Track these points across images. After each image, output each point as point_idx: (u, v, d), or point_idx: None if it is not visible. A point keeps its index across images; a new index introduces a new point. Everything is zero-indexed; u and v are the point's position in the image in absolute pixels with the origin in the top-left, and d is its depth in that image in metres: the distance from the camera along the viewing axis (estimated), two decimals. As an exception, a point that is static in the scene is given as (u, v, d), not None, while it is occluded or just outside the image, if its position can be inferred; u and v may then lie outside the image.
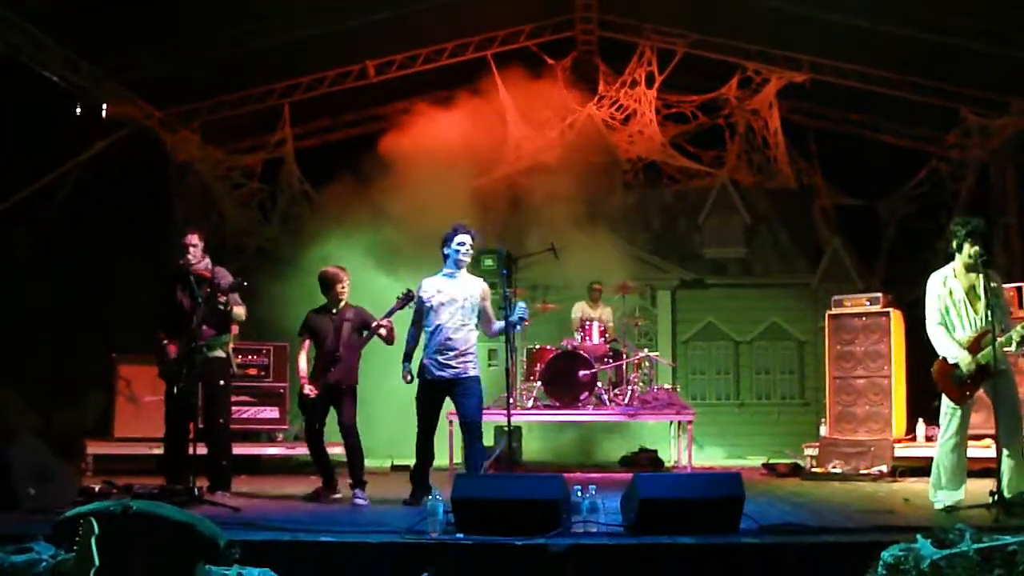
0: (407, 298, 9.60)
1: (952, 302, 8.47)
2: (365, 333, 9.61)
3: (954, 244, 8.50)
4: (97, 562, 5.20)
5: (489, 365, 14.58)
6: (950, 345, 8.42)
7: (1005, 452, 8.20)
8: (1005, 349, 8.28)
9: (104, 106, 13.80)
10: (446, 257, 9.42)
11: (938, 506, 8.39)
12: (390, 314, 9.56)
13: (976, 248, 8.32)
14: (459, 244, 9.30)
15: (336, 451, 9.88)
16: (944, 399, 8.53)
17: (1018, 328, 8.33)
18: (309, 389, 9.57)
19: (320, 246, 13.84)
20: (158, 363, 9.60)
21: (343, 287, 9.75)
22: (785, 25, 14.51)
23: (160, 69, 13.92)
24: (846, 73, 15.40)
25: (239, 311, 9.71)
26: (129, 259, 13.37)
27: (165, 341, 9.48)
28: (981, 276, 8.32)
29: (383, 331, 9.54)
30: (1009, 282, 11.74)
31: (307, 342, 9.81)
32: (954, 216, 14.83)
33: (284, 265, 13.74)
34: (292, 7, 13.49)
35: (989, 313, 8.19)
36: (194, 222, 13.96)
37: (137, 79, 14.14)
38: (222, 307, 9.39)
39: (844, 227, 16.83)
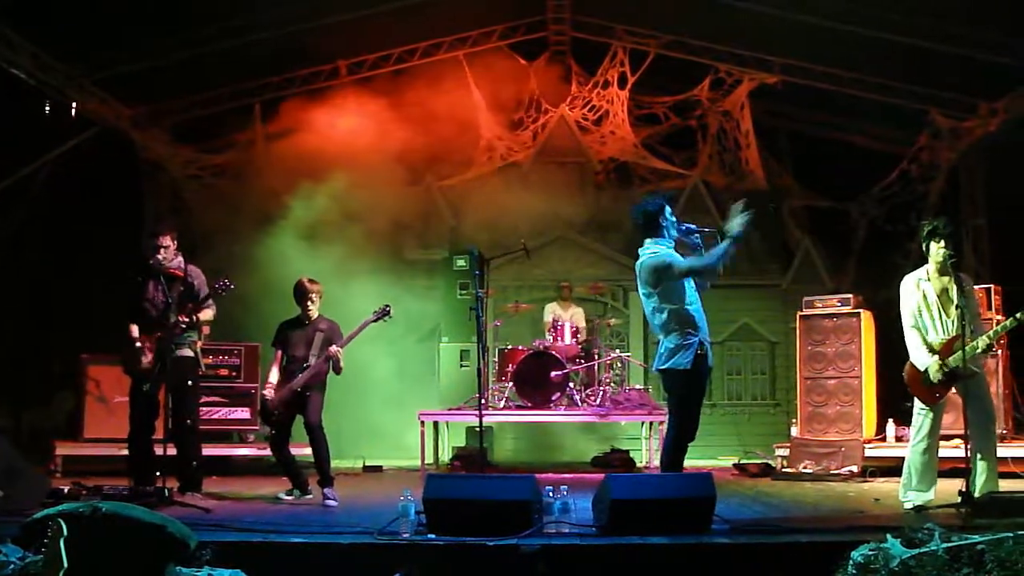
0: (383, 313, 9.67)
1: (925, 305, 8.53)
2: (331, 348, 9.60)
3: (922, 245, 8.58)
4: (66, 564, 5.17)
5: (461, 366, 14.56)
6: (920, 350, 8.48)
7: (977, 453, 8.26)
8: (976, 353, 8.36)
9: (74, 104, 13.71)
10: (662, 228, 8.19)
11: (908, 506, 8.44)
12: (363, 327, 9.61)
13: (943, 248, 8.39)
14: (672, 213, 8.23)
15: (305, 452, 9.84)
16: (916, 400, 8.60)
17: (988, 334, 8.41)
18: (268, 391, 9.61)
19: (289, 246, 13.80)
20: (124, 359, 9.55)
21: (312, 300, 9.77)
22: (757, 27, 14.56)
23: (131, 67, 13.85)
24: (817, 75, 15.46)
25: (207, 314, 9.70)
26: (99, 258, 13.29)
27: (139, 345, 9.43)
28: (952, 279, 8.39)
29: (333, 360, 9.56)
30: (980, 284, 11.84)
31: (279, 353, 9.84)
32: (923, 217, 14.96)
33: (255, 265, 13.67)
34: (264, 6, 13.44)
35: (960, 315, 8.25)
36: (164, 221, 13.89)
37: (107, 78, 14.06)
38: (186, 322, 9.37)
39: (815, 228, 16.88)
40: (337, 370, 9.68)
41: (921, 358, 8.45)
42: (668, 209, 8.25)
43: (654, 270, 8.06)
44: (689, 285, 8.16)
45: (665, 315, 8.11)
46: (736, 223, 8.01)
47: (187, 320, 9.38)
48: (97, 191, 13.95)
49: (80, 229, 13.57)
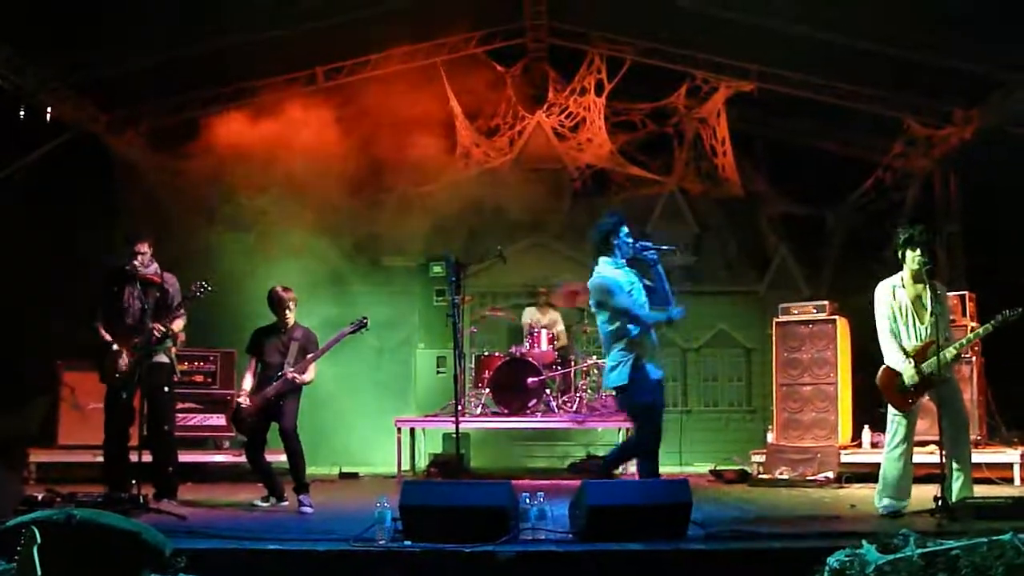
0: (360, 325, 9.65)
1: (900, 311, 8.60)
2: (307, 358, 9.57)
3: (898, 253, 8.63)
4: (39, 572, 5.14)
5: (437, 372, 14.55)
6: (897, 354, 8.54)
7: (952, 459, 8.32)
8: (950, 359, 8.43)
9: (48, 108, 13.63)
10: (613, 247, 8.47)
11: (883, 512, 8.48)
12: (339, 338, 9.60)
13: (919, 256, 8.45)
14: (628, 234, 8.50)
15: (281, 459, 9.79)
16: (890, 407, 8.65)
17: (962, 340, 8.50)
18: (244, 398, 9.58)
19: (264, 253, 13.76)
20: (101, 364, 9.49)
21: (289, 308, 9.74)
22: (733, 34, 14.60)
23: (107, 71, 13.77)
24: (793, 82, 15.50)
25: (178, 324, 9.65)
26: (74, 264, 13.21)
27: (116, 347, 9.38)
28: (927, 286, 8.45)
29: (297, 379, 9.52)
30: (954, 291, 11.92)
31: (253, 360, 9.80)
32: (898, 225, 15.00)
33: (230, 272, 13.62)
34: (241, 11, 13.38)
35: (935, 323, 8.31)
36: (140, 227, 13.82)
37: (83, 81, 13.96)
38: (162, 332, 9.32)
39: (791, 235, 16.95)
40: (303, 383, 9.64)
41: (899, 361, 8.51)
42: (623, 228, 8.49)
43: (598, 292, 8.35)
44: (641, 304, 8.34)
45: (609, 333, 8.35)
46: (677, 311, 8.38)
47: (162, 331, 9.33)
48: (71, 196, 13.87)
49: (55, 234, 13.48)
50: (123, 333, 9.44)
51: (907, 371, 8.43)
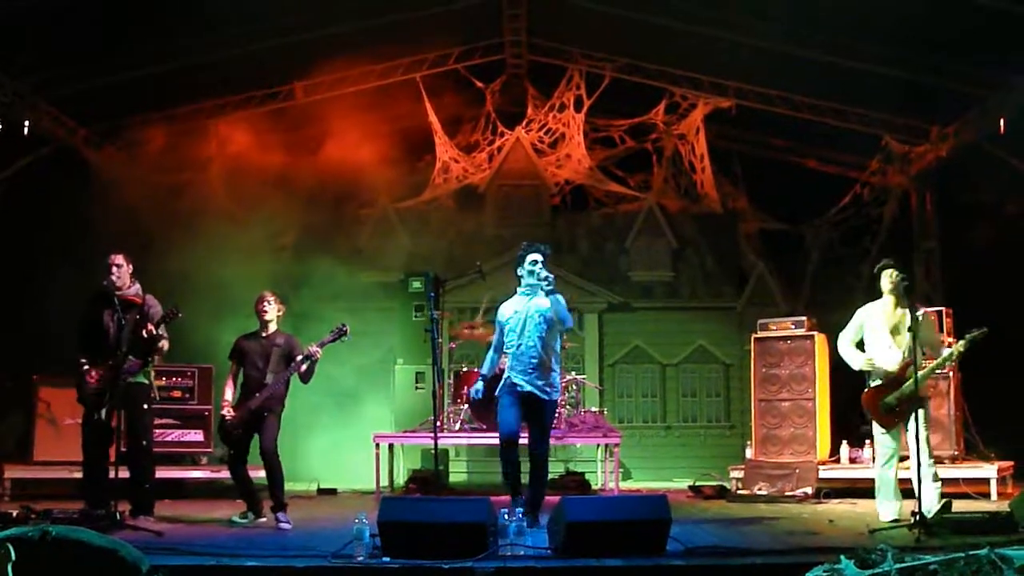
0: (339, 332, 9.56)
1: (878, 335, 8.68)
2: (291, 365, 9.48)
3: (877, 284, 8.75)
4: (14, 588, 5.10)
5: (416, 388, 14.49)
6: (857, 356, 8.68)
7: (922, 472, 8.43)
8: (952, 362, 8.64)
9: (26, 123, 13.57)
10: (519, 278, 9.65)
11: (885, 519, 8.63)
12: (320, 346, 9.49)
13: (894, 273, 8.59)
14: (533, 262, 9.47)
15: (260, 474, 9.73)
16: (875, 425, 8.76)
17: (935, 363, 8.59)
18: (227, 411, 9.48)
19: (243, 267, 13.70)
20: (78, 388, 9.43)
21: (264, 307, 9.64)
22: (712, 51, 14.67)
23: (85, 85, 13.73)
24: (771, 99, 15.58)
25: (164, 344, 9.59)
26: (50, 279, 13.15)
27: (87, 367, 9.32)
28: (907, 309, 8.55)
29: (303, 367, 9.43)
30: (930, 307, 11.98)
31: (234, 367, 9.72)
32: (876, 240, 15.17)
33: (208, 286, 13.56)
34: (220, 26, 13.37)
35: (912, 344, 8.41)
36: (119, 242, 13.77)
37: (61, 95, 13.93)
38: (151, 339, 9.24)
39: (769, 251, 16.99)
40: (305, 379, 9.54)
41: (859, 360, 8.66)
42: (527, 258, 9.42)
43: None
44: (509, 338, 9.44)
45: None
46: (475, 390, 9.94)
47: (149, 339, 9.26)
48: (49, 210, 13.81)
49: (32, 248, 13.42)
50: (101, 354, 9.36)
51: (883, 363, 8.56)
